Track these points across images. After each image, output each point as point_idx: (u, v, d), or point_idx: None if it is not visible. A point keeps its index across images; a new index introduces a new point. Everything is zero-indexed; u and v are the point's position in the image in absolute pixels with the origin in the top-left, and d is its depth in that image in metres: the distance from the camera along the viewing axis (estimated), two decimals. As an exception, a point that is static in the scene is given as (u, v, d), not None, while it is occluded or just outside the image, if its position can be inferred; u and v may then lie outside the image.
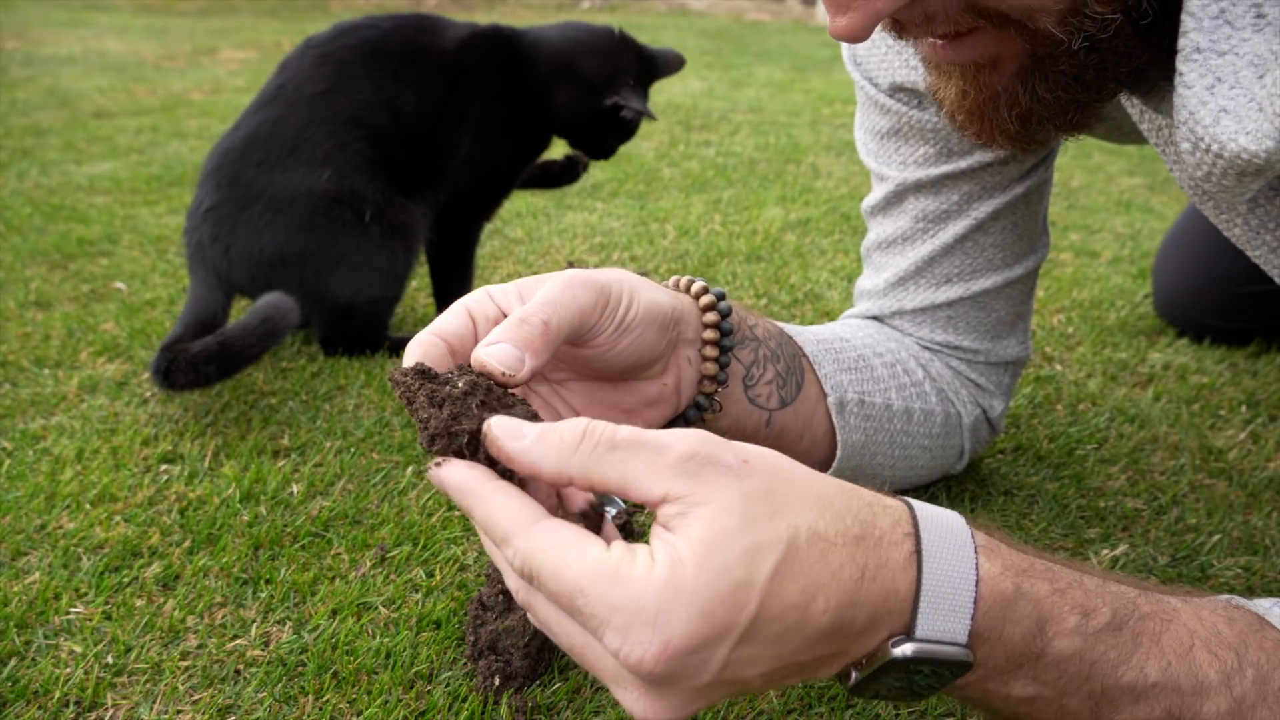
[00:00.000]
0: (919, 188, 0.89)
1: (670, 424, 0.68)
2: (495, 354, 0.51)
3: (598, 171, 2.31)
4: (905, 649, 0.45)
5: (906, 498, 0.49)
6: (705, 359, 0.67)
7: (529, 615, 0.49)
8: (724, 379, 0.69)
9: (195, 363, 1.07)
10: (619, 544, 0.44)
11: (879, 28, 0.59)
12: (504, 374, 0.51)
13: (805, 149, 2.69)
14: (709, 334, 0.67)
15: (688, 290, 0.68)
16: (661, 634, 0.42)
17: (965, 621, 0.46)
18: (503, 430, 0.47)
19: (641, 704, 0.45)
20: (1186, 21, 0.51)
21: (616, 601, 0.42)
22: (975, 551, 0.47)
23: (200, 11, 6.67)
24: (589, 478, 0.45)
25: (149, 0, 7.11)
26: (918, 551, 0.46)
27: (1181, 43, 0.51)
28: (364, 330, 1.30)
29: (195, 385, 1.09)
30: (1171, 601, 0.52)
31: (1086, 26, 0.54)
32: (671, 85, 3.78)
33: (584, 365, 0.62)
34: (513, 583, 0.49)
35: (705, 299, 0.68)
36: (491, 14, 7.07)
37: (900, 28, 0.58)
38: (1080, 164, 2.58)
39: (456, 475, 0.48)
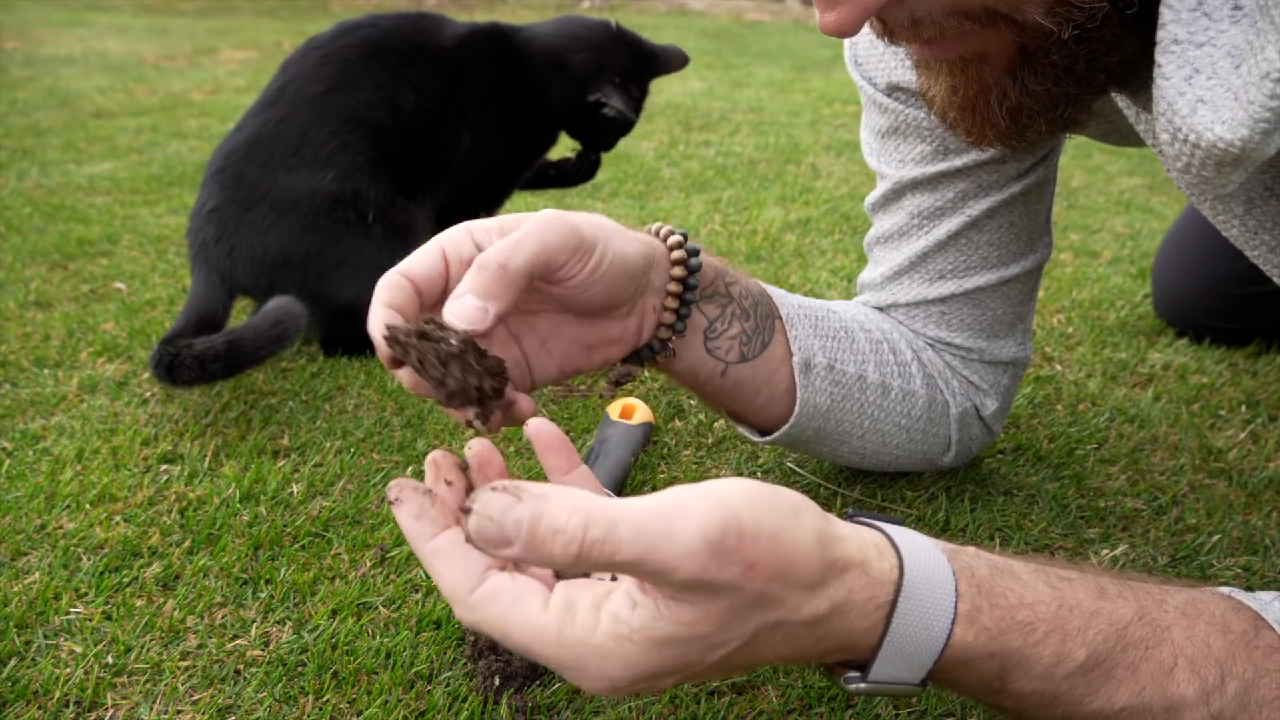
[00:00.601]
0: (916, 185, 0.90)
1: (626, 359, 0.70)
2: (458, 311, 0.53)
3: (598, 171, 2.31)
4: (859, 686, 0.50)
5: (906, 555, 0.49)
6: (665, 308, 0.69)
7: None
8: (681, 329, 0.70)
9: (202, 360, 1.07)
10: (556, 601, 0.46)
11: (868, 29, 0.59)
12: (468, 331, 0.53)
13: (805, 149, 2.69)
14: (673, 286, 0.68)
15: (665, 239, 0.69)
16: (609, 682, 0.45)
17: (921, 673, 0.50)
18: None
19: (604, 695, 0.51)
20: (1165, 14, 0.51)
21: (564, 662, 0.45)
22: (952, 623, 0.49)
23: (200, 11, 6.67)
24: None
25: (149, 0, 7.11)
26: (888, 619, 0.48)
27: (1160, 35, 0.52)
28: (365, 332, 1.29)
29: (199, 382, 1.09)
30: (1168, 617, 0.53)
31: (1074, 15, 0.55)
32: (671, 85, 3.78)
33: (558, 300, 0.63)
34: None
35: (677, 253, 0.68)
36: (491, 13, 7.06)
37: (889, 31, 0.59)
38: (1080, 164, 2.58)
39: (405, 525, 0.49)
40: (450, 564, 0.48)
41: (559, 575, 0.51)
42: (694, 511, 0.43)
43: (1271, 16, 0.48)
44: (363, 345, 1.30)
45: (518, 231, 0.57)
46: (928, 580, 0.49)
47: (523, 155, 1.43)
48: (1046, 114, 0.62)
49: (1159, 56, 0.52)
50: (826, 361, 0.83)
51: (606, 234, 0.61)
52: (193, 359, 1.07)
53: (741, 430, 0.88)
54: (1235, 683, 0.51)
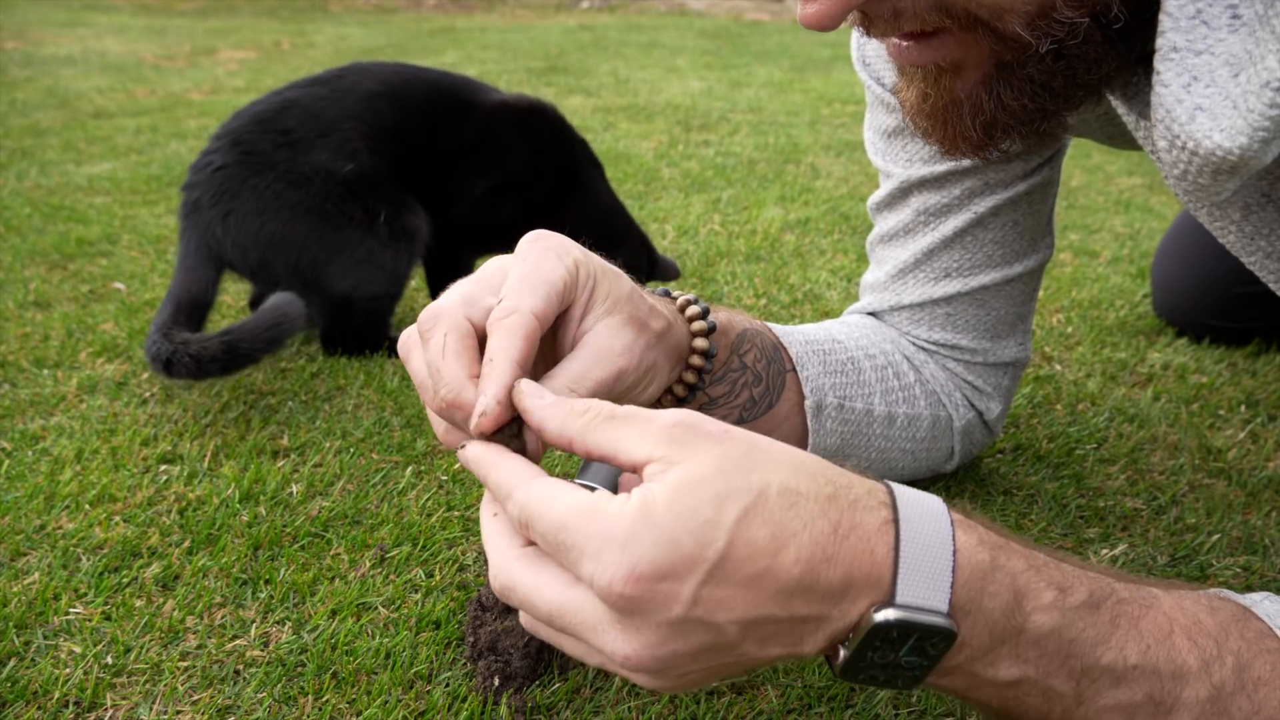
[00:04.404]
0: (922, 183, 0.89)
1: None
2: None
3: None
4: (887, 614, 0.46)
5: (888, 483, 0.51)
6: (674, 395, 0.69)
7: (513, 600, 0.51)
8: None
9: (199, 360, 1.09)
10: (602, 490, 0.48)
11: (850, 21, 0.59)
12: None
13: (805, 149, 2.69)
14: (689, 375, 0.69)
15: (683, 313, 0.69)
16: (630, 556, 0.44)
17: (945, 590, 0.47)
18: (529, 388, 0.53)
19: (619, 642, 0.46)
20: (1164, 21, 0.51)
21: (592, 531, 0.46)
22: (952, 524, 0.48)
23: (200, 11, 6.67)
24: (585, 440, 0.50)
25: (149, 0, 7.11)
26: (895, 520, 0.47)
27: (1159, 42, 0.52)
28: (364, 327, 1.29)
29: (195, 379, 1.11)
30: (1152, 590, 0.53)
31: (1055, 31, 0.54)
32: (671, 85, 3.78)
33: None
34: (500, 564, 0.50)
35: (699, 341, 0.69)
36: (491, 14, 7.06)
37: (869, 22, 0.58)
38: (1080, 164, 2.58)
39: (475, 450, 0.53)
40: (518, 462, 0.52)
41: None
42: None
43: (1272, 25, 0.48)
44: (362, 344, 1.30)
45: (587, 361, 0.58)
46: (909, 491, 0.50)
47: (517, 226, 1.47)
48: (1021, 128, 0.62)
49: (1158, 64, 0.52)
50: (837, 401, 0.84)
51: (652, 361, 0.62)
52: (190, 358, 1.08)
53: None
54: (1232, 658, 0.51)
